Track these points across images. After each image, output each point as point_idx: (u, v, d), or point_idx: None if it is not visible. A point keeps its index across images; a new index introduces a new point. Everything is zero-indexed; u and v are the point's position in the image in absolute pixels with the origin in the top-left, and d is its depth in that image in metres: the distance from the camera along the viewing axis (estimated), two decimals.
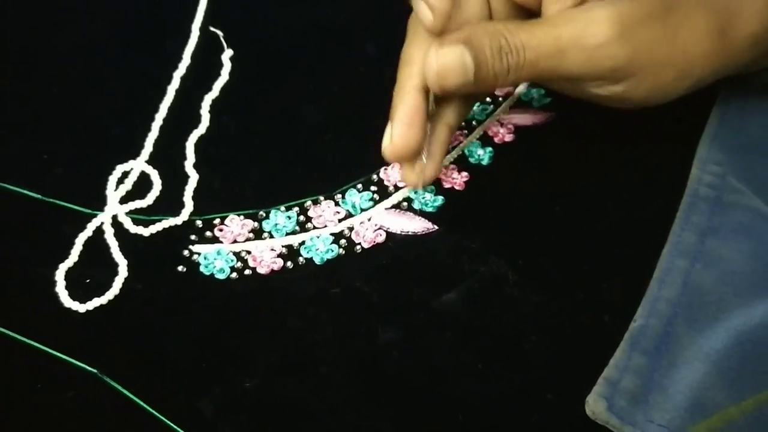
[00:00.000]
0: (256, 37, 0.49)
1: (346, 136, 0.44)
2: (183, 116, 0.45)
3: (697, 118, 0.45)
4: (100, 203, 0.41)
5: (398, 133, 0.37)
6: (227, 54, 0.48)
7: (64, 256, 0.39)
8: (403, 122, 0.37)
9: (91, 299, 0.38)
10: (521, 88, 0.47)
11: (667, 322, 0.37)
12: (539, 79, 0.39)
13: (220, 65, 0.47)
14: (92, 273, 0.39)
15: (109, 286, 0.38)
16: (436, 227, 0.40)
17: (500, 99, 0.46)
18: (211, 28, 0.49)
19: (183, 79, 0.47)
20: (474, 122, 0.45)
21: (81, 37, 0.49)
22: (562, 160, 0.43)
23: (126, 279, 0.38)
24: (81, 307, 0.37)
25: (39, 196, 0.41)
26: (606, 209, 0.42)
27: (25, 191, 0.41)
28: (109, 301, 0.38)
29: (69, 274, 0.38)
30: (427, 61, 0.36)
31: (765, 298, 0.37)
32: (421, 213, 0.41)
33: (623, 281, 0.39)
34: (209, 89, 0.46)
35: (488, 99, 0.46)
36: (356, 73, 0.47)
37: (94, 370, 0.35)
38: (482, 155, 0.43)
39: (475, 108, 0.45)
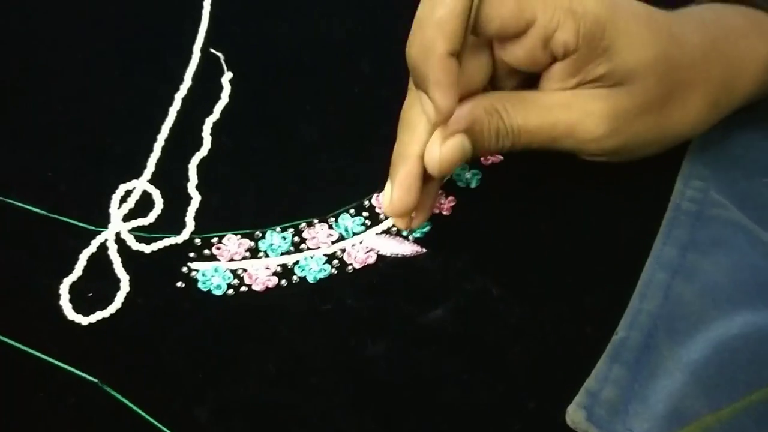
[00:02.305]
0: (256, 58, 0.51)
1: (342, 157, 0.46)
2: (184, 137, 0.47)
3: None
4: (103, 220, 0.43)
5: (397, 197, 0.40)
6: (227, 76, 0.50)
7: (69, 270, 0.41)
8: (403, 187, 0.39)
9: (93, 312, 0.39)
10: None
11: (647, 335, 0.38)
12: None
13: (221, 87, 0.49)
14: (95, 287, 0.40)
15: (111, 300, 0.40)
16: (425, 250, 0.42)
17: None
18: (212, 50, 0.51)
19: (184, 100, 0.49)
20: None
21: (85, 57, 0.51)
22: (548, 178, 0.45)
23: (127, 294, 0.40)
24: (84, 320, 0.39)
25: (44, 212, 0.43)
26: (590, 225, 0.43)
27: (31, 207, 0.43)
28: (111, 314, 0.39)
29: (73, 288, 0.40)
30: (430, 153, 0.38)
31: (743, 309, 0.39)
32: (410, 237, 0.42)
33: (606, 294, 0.40)
34: (210, 111, 0.48)
35: None
36: (353, 93, 0.49)
37: (95, 380, 0.37)
38: (470, 178, 0.45)
39: None
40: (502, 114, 0.39)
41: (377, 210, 0.44)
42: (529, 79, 0.41)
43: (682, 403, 0.36)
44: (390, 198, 0.40)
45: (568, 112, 0.39)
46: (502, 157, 0.46)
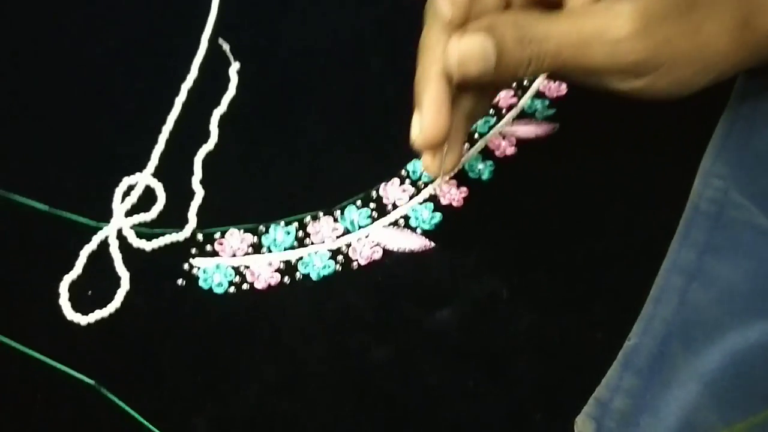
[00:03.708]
0: (265, 49, 0.50)
1: (349, 150, 0.45)
2: (189, 129, 0.46)
3: (703, 130, 0.44)
4: (106, 215, 0.42)
5: (428, 121, 0.37)
6: (234, 67, 0.49)
7: (69, 268, 0.40)
8: (432, 109, 0.37)
9: (92, 311, 0.39)
10: (525, 100, 0.47)
11: (661, 342, 0.37)
12: (561, 71, 0.38)
13: (228, 78, 0.48)
14: (95, 285, 0.40)
15: (110, 299, 0.39)
16: (433, 244, 0.41)
17: (503, 111, 0.46)
18: (220, 40, 0.50)
19: (190, 91, 0.48)
20: (476, 135, 0.45)
21: (90, 47, 0.50)
22: (562, 175, 0.43)
23: (127, 292, 0.39)
24: (83, 320, 0.38)
25: (46, 208, 0.42)
26: (606, 225, 0.41)
27: (32, 203, 0.42)
28: (110, 314, 0.39)
29: (72, 287, 0.39)
30: (449, 49, 0.36)
31: (761, 318, 0.37)
32: (419, 230, 0.41)
33: (619, 297, 0.39)
34: (217, 103, 0.47)
35: (491, 111, 0.46)
36: (360, 89, 0.48)
37: (92, 382, 0.36)
38: (482, 170, 0.43)
39: (478, 121, 0.45)
40: (526, 22, 0.37)
41: (384, 201, 0.42)
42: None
43: (695, 415, 0.35)
44: (420, 125, 0.37)
45: (595, 15, 0.37)
46: (515, 149, 0.44)
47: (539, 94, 0.47)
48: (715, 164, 0.43)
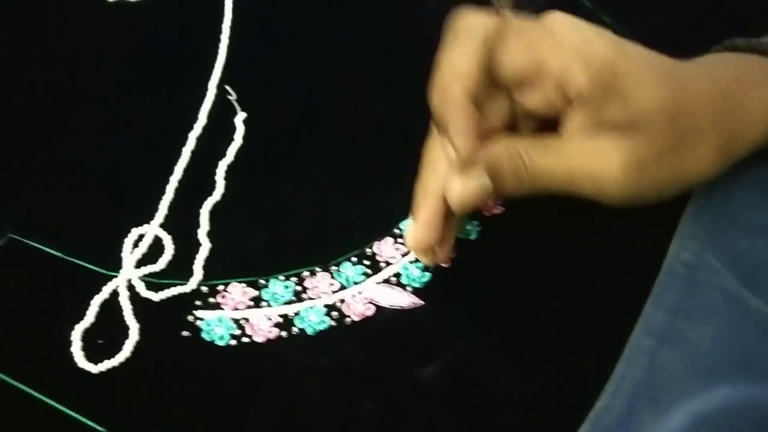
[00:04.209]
0: (272, 97, 0.52)
1: (348, 205, 0.47)
2: (196, 179, 0.48)
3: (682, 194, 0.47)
4: (116, 262, 0.45)
5: (421, 234, 0.42)
6: (240, 117, 0.51)
7: (80, 315, 0.43)
8: (425, 224, 0.41)
9: (103, 361, 0.41)
10: None
11: (630, 403, 0.40)
12: (552, 194, 0.42)
13: (234, 128, 0.50)
14: (105, 334, 0.42)
15: (120, 348, 0.42)
16: (422, 302, 0.43)
17: None
18: (227, 88, 0.52)
19: (199, 139, 0.50)
20: None
21: (101, 95, 0.52)
22: (547, 234, 0.46)
23: (136, 342, 0.42)
24: (93, 368, 0.41)
25: (60, 254, 0.45)
26: (585, 283, 0.44)
27: (46, 248, 0.45)
28: (120, 363, 0.41)
29: (84, 335, 0.42)
30: (452, 189, 0.40)
31: (724, 383, 0.40)
32: (409, 288, 0.44)
33: (595, 356, 0.41)
34: (224, 153, 0.49)
35: None
36: (363, 142, 0.50)
37: (103, 430, 0.39)
38: (470, 230, 0.46)
39: None
40: (523, 156, 0.40)
41: (378, 258, 0.45)
42: (549, 121, 0.42)
43: None
44: (414, 235, 0.42)
45: (588, 160, 0.40)
46: (503, 208, 0.47)
47: None
48: (691, 227, 0.46)
